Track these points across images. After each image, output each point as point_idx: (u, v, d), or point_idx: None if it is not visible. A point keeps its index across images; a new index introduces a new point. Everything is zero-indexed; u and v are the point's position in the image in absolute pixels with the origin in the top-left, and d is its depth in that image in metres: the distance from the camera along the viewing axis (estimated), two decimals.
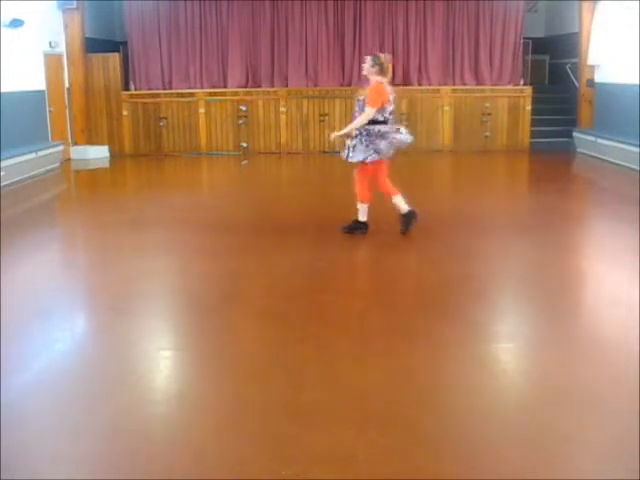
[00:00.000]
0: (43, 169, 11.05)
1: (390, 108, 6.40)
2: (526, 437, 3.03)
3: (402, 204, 6.46)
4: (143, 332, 4.48)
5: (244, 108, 13.17)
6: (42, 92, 11.82)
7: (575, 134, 12.80)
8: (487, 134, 13.23)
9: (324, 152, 13.19)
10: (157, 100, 13.25)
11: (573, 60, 13.26)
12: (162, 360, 4.06)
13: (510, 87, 13.35)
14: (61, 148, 11.95)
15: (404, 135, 6.42)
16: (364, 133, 6.29)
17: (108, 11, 13.81)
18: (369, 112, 6.26)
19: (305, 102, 13.24)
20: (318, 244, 6.42)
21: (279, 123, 13.27)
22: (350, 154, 6.34)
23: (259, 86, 13.46)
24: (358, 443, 2.98)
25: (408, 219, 6.47)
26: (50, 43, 12.05)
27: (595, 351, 3.98)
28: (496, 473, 2.76)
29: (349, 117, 13.27)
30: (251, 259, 6.01)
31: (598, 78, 12.63)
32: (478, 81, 13.45)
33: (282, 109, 13.21)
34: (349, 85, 13.47)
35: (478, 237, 6.65)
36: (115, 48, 13.44)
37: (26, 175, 10.40)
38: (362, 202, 6.53)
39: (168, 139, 13.33)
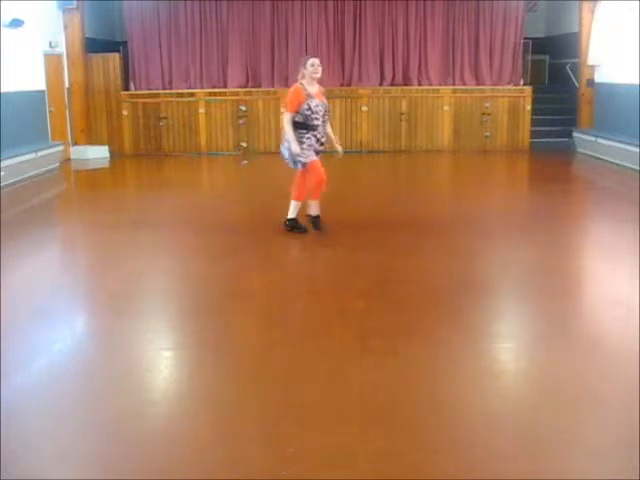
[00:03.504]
0: (43, 169, 11.05)
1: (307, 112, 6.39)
2: (526, 437, 3.03)
3: (293, 210, 6.69)
4: (143, 332, 4.47)
5: (244, 108, 13.17)
6: (42, 92, 11.82)
7: (575, 134, 12.81)
8: (487, 134, 13.24)
9: (324, 152, 13.16)
10: (157, 100, 13.24)
11: (573, 60, 13.26)
12: (162, 360, 4.06)
13: (510, 87, 13.35)
14: (61, 148, 11.95)
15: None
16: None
17: (108, 11, 13.80)
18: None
19: None
20: (318, 244, 6.42)
21: (279, 123, 13.25)
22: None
23: (259, 86, 13.46)
24: (358, 443, 2.98)
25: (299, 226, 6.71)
26: (50, 43, 12.05)
27: (595, 351, 3.98)
28: (496, 473, 2.76)
29: (349, 117, 13.37)
30: (251, 259, 6.01)
31: (598, 78, 12.63)
32: (478, 81, 13.45)
33: (282, 109, 13.18)
34: (349, 85, 13.47)
35: (478, 237, 6.65)
36: (115, 48, 13.44)
37: (26, 175, 10.40)
38: (299, 200, 6.67)
39: (168, 139, 13.33)
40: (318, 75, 6.34)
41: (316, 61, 6.34)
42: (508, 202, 8.73)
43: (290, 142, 6.33)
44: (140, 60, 13.32)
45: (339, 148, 6.67)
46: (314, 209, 6.65)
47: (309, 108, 6.26)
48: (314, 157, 6.41)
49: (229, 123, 13.27)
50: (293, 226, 6.68)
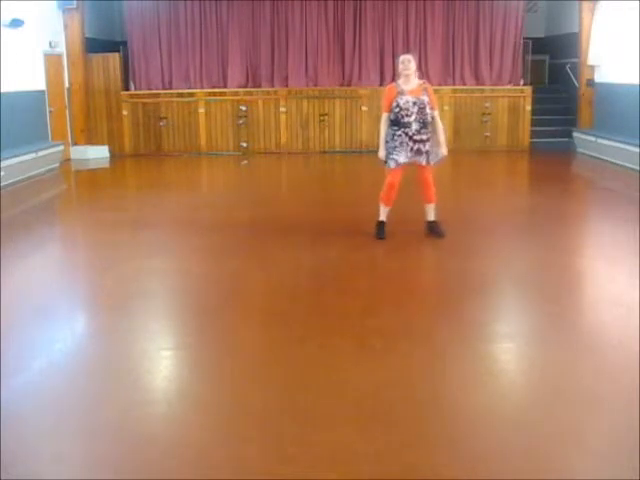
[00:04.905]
0: (43, 169, 11.05)
1: None
2: (526, 437, 3.03)
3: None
4: (143, 332, 4.47)
5: (244, 108, 13.17)
6: (42, 92, 11.82)
7: (575, 134, 12.80)
8: (487, 134, 13.24)
9: (324, 152, 13.20)
10: (157, 100, 13.24)
11: (573, 60, 13.26)
12: (162, 360, 4.06)
13: (510, 87, 13.35)
14: (61, 148, 11.95)
15: None
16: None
17: (108, 11, 13.82)
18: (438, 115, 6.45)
19: (305, 102, 13.24)
20: (318, 244, 6.42)
21: (279, 123, 13.27)
22: (432, 157, 6.38)
23: (259, 86, 13.46)
24: (358, 443, 2.98)
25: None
26: (50, 43, 12.05)
27: (595, 351, 3.98)
28: (496, 473, 2.76)
29: (349, 117, 13.37)
30: (251, 259, 6.01)
31: (598, 78, 12.63)
32: (478, 81, 13.45)
33: (282, 109, 13.21)
34: (349, 85, 13.47)
35: (478, 237, 6.65)
36: (115, 48, 13.43)
37: (26, 175, 10.40)
38: (431, 203, 6.52)
39: (168, 139, 13.33)
40: (408, 72, 6.25)
41: (405, 58, 6.30)
42: (508, 202, 8.73)
43: (380, 144, 6.35)
44: (140, 60, 13.32)
45: (442, 150, 6.37)
46: (383, 214, 6.51)
47: (397, 105, 6.21)
48: (400, 162, 6.28)
49: (229, 123, 13.27)
50: (438, 230, 6.48)
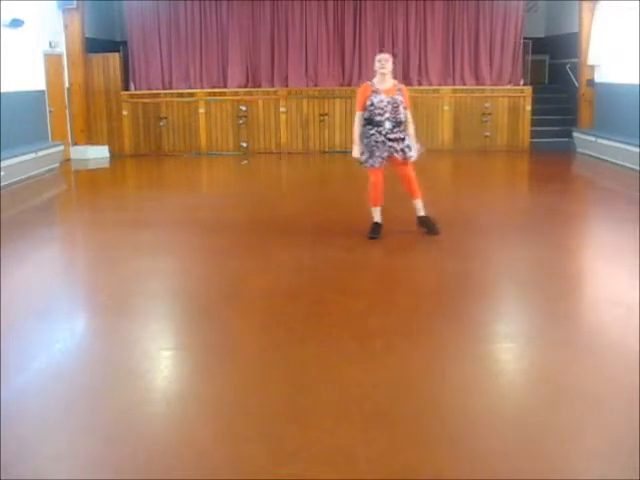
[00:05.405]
0: (43, 169, 11.05)
1: None
2: (526, 437, 3.03)
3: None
4: (143, 332, 4.47)
5: (244, 108, 13.17)
6: (42, 92, 11.82)
7: (575, 134, 12.80)
8: (487, 134, 13.24)
9: (324, 152, 13.20)
10: (157, 100, 13.24)
11: (573, 60, 13.26)
12: (162, 360, 4.06)
13: (510, 87, 13.35)
14: (61, 148, 11.95)
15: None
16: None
17: (108, 11, 13.82)
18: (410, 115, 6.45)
19: (305, 102, 13.24)
20: (318, 244, 6.42)
21: (279, 123, 13.27)
22: (410, 153, 6.35)
23: (259, 86, 13.46)
24: (358, 443, 2.98)
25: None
26: (50, 43, 12.05)
27: (595, 351, 3.98)
28: (496, 473, 2.76)
29: (349, 117, 13.35)
30: (251, 259, 6.01)
31: (598, 78, 12.63)
32: (478, 81, 13.45)
33: (282, 109, 13.21)
34: (349, 85, 13.46)
35: (478, 237, 6.65)
36: (115, 48, 13.44)
37: (26, 175, 10.40)
38: (376, 206, 6.55)
39: (168, 139, 13.33)
40: (384, 70, 6.26)
41: (382, 57, 6.31)
42: (508, 202, 8.73)
43: (354, 143, 6.37)
44: (140, 60, 13.32)
45: (417, 145, 6.40)
46: (376, 216, 6.54)
47: (372, 104, 6.24)
48: (379, 162, 6.33)
49: (229, 123, 13.27)
50: (429, 224, 6.53)
